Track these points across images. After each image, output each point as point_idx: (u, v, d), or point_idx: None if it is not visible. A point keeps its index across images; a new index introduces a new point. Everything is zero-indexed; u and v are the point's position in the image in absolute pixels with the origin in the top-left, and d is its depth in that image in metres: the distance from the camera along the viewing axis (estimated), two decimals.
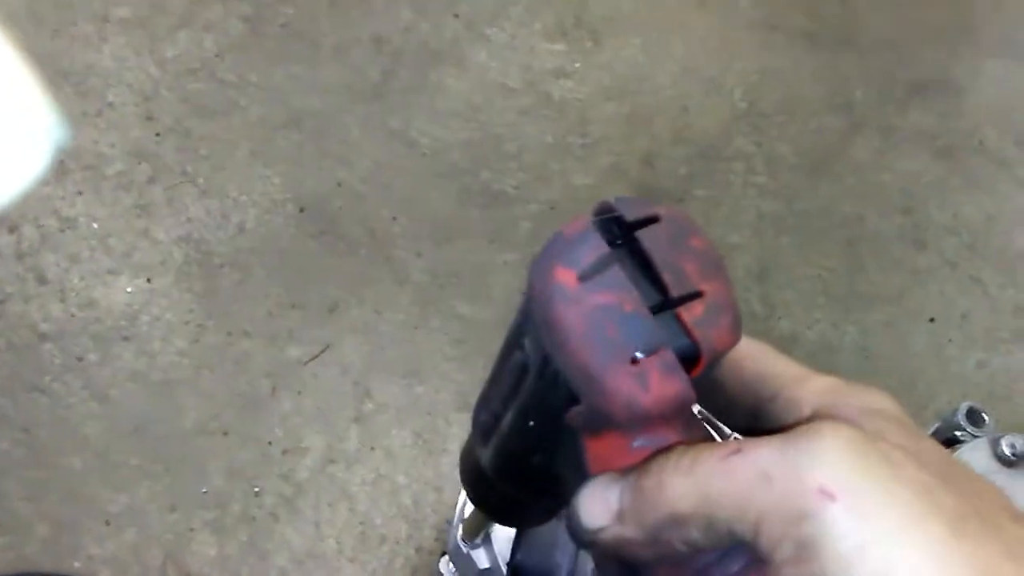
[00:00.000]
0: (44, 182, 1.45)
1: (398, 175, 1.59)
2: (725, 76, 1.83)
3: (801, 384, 0.34)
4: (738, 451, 0.29)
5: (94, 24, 1.60)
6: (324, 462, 1.33)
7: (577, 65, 1.77)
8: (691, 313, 0.32)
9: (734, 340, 0.33)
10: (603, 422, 0.33)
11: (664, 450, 0.32)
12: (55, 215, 1.43)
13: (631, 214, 0.33)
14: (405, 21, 1.75)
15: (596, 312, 0.31)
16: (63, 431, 1.29)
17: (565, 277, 0.32)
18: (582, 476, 0.34)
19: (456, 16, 1.78)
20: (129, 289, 1.40)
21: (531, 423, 0.37)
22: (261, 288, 1.44)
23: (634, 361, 0.31)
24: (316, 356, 1.40)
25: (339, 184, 1.56)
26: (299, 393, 1.37)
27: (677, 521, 0.30)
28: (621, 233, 0.34)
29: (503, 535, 0.89)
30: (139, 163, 1.50)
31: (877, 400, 0.33)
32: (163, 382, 1.34)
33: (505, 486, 0.42)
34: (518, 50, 1.77)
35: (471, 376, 1.42)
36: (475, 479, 0.44)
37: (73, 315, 1.37)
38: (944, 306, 1.62)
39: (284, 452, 1.33)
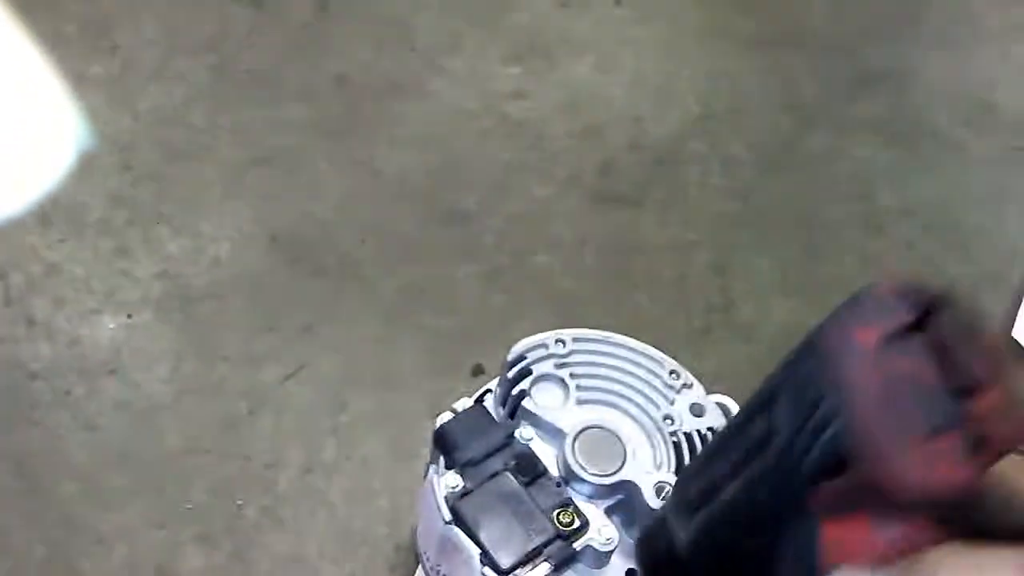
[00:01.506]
0: (29, 231, 1.54)
1: (365, 202, 1.67)
2: (676, 84, 1.90)
3: None
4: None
5: (72, 82, 1.70)
6: (303, 473, 1.40)
7: (532, 86, 1.85)
8: (986, 402, 0.30)
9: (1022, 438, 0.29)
10: (857, 501, 0.29)
11: (929, 545, 0.28)
12: (40, 262, 1.52)
13: (924, 298, 0.31)
14: (365, 59, 1.84)
15: (893, 378, 0.29)
16: (55, 460, 1.37)
17: (866, 337, 0.30)
18: (804, 565, 0.31)
19: (413, 50, 1.87)
20: (112, 326, 1.48)
21: (760, 497, 0.34)
22: (237, 316, 1.52)
23: (925, 439, 0.28)
24: (292, 375, 1.47)
25: (309, 214, 1.64)
26: (277, 411, 1.44)
27: None
28: (918, 311, 0.31)
29: None
30: (117, 209, 1.59)
31: None
32: (147, 409, 1.42)
33: (697, 567, 0.38)
34: (476, 76, 1.85)
35: (441, 385, 1.48)
36: (661, 558, 0.39)
37: (61, 354, 1.45)
38: None
39: (265, 466, 1.40)
